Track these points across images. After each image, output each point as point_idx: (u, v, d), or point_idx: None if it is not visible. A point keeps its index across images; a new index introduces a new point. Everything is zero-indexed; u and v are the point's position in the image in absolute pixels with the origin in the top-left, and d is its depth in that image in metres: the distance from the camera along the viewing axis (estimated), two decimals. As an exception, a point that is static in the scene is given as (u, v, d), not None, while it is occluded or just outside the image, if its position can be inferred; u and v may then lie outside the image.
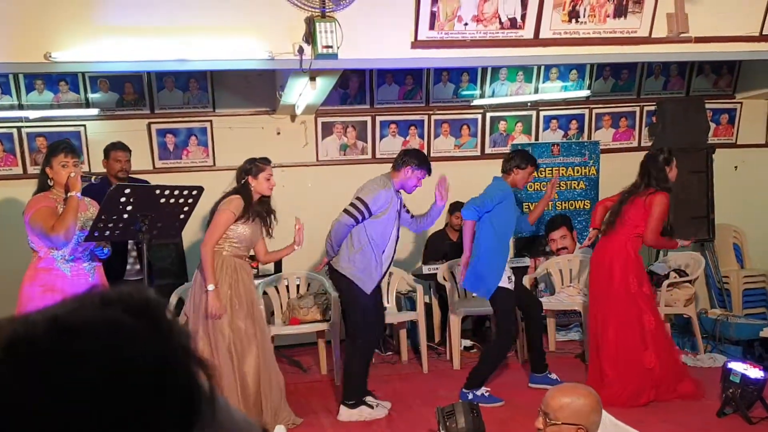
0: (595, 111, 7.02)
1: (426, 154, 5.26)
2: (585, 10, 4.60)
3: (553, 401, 2.31)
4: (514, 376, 5.09)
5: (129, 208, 3.35)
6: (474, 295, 5.18)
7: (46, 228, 3.35)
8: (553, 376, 4.79)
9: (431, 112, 6.77)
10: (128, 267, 4.65)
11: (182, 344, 0.62)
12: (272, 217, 4.19)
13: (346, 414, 4.36)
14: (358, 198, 4.37)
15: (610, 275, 4.50)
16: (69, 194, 3.42)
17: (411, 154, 4.52)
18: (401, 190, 4.46)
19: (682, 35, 4.71)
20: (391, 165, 4.55)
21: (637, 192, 4.50)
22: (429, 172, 4.45)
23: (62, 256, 3.47)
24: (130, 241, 4.38)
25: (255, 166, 4.05)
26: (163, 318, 0.62)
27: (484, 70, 6.68)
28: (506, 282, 4.56)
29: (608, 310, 4.48)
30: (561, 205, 6.76)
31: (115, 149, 4.78)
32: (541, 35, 4.58)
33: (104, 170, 4.97)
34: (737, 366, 4.01)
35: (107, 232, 3.38)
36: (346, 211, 4.36)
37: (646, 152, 4.97)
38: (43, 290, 3.39)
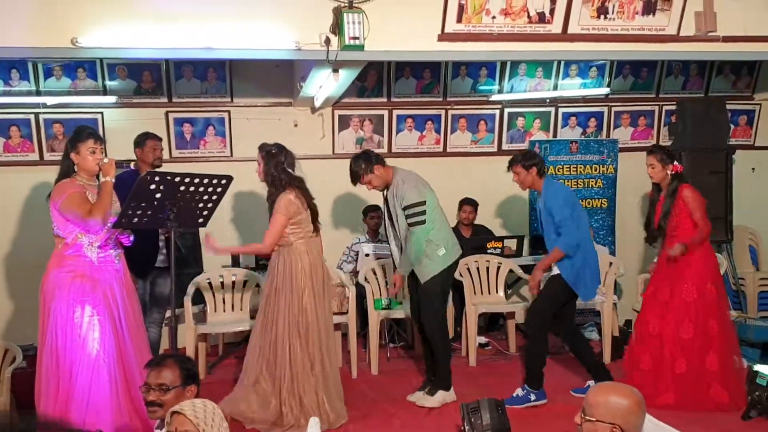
0: (614, 109, 6.99)
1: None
2: (614, 6, 4.55)
3: (591, 397, 2.27)
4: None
5: (158, 195, 3.30)
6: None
7: (83, 212, 3.30)
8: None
9: (448, 107, 6.72)
10: (159, 255, 4.61)
11: None
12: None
13: None
14: None
15: (703, 281, 4.42)
16: (104, 179, 3.39)
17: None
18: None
19: (710, 34, 4.67)
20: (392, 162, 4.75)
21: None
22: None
23: (90, 242, 3.43)
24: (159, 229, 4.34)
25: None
26: None
27: (503, 65, 6.63)
28: None
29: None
30: (578, 203, 6.70)
31: (151, 138, 4.71)
32: (570, 30, 4.54)
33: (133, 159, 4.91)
34: (764, 369, 3.98)
35: (135, 219, 3.35)
36: None
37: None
38: (72, 276, 3.34)
